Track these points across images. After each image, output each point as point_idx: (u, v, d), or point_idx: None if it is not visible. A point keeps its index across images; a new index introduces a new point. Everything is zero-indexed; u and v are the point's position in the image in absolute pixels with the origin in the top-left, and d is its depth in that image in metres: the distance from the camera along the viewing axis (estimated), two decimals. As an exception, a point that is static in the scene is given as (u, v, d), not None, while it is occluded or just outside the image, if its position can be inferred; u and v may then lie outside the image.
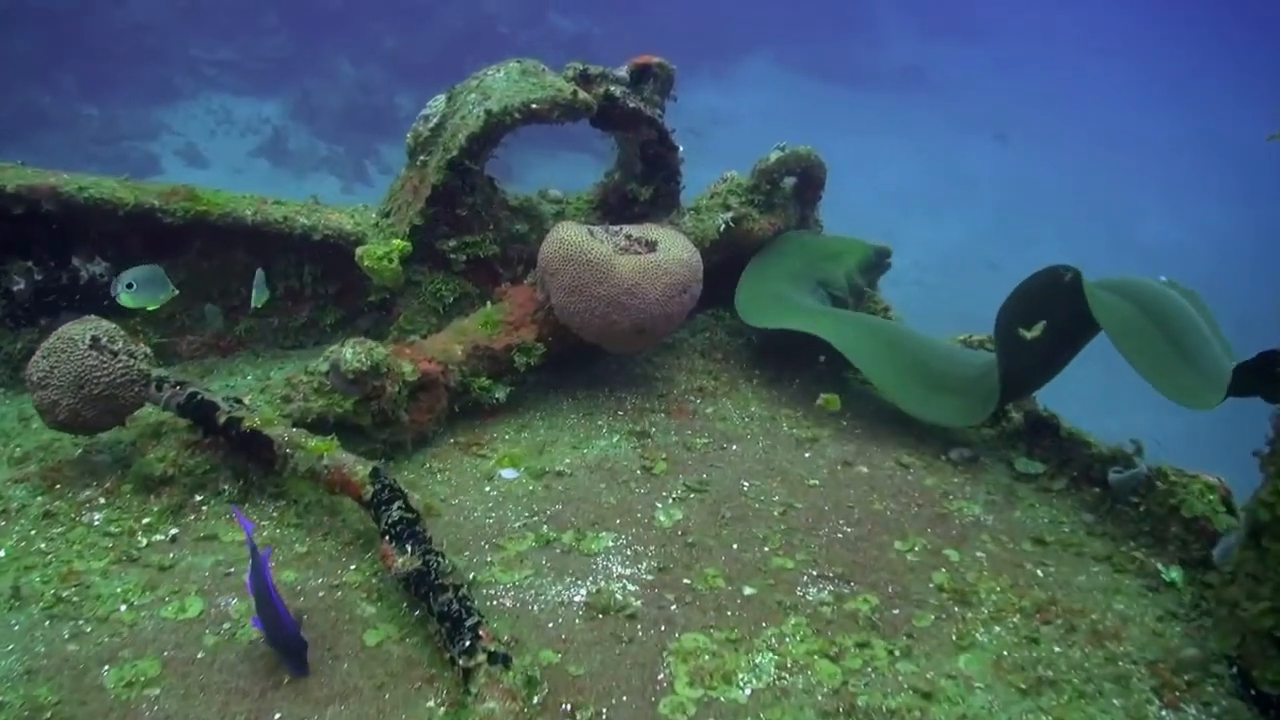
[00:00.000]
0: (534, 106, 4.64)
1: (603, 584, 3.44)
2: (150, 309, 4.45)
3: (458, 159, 4.70)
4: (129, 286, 4.21)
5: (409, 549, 3.11)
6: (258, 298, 4.67)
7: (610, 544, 3.70)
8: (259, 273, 4.66)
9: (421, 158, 4.94)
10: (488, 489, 4.10)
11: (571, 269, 4.47)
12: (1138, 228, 23.66)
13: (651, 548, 3.70)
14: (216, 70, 25.61)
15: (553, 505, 3.98)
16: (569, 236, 4.53)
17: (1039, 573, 3.68)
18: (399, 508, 3.28)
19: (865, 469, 4.37)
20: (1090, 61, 34.17)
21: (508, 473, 4.22)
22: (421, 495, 3.95)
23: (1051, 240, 22.68)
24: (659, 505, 4.00)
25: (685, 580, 3.50)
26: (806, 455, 4.46)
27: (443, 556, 3.13)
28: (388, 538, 3.19)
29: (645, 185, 5.20)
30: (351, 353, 4.04)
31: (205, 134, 23.39)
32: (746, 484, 4.20)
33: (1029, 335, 3.90)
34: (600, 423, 4.67)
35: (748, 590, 3.46)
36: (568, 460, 4.32)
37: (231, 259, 5.00)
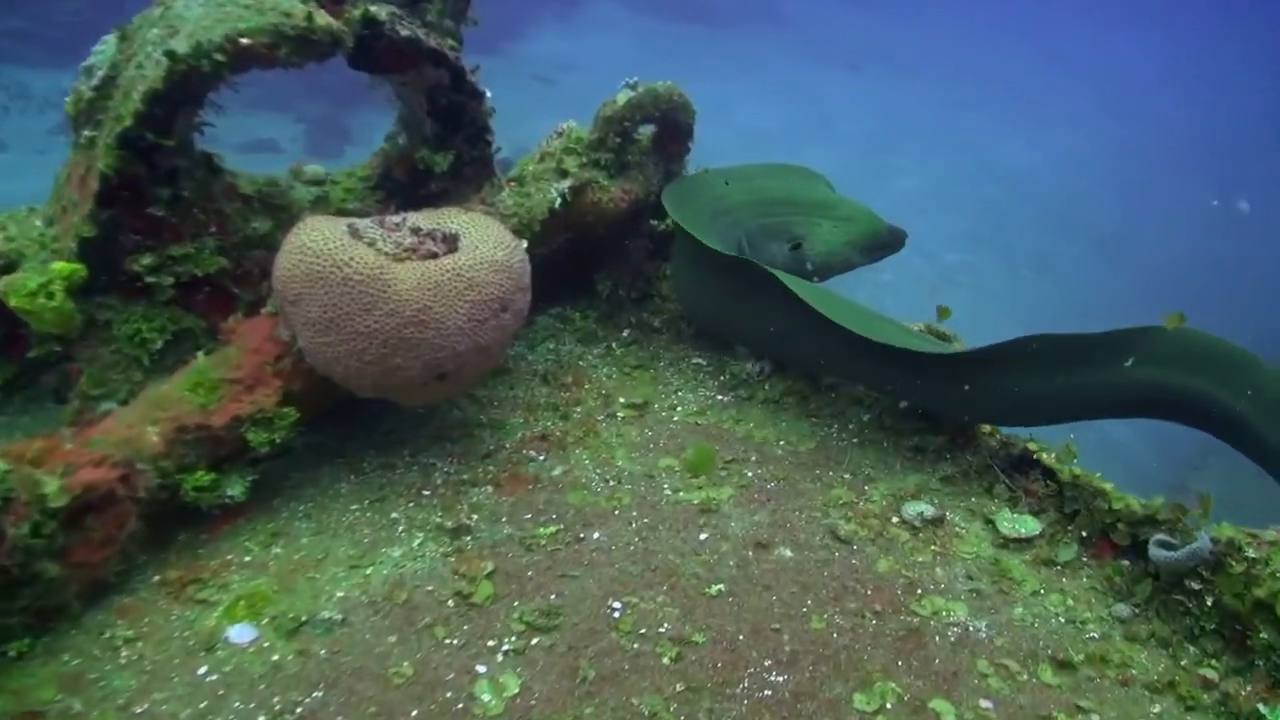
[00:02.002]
0: (244, 42, 2.91)
1: None
2: None
3: (133, 131, 2.94)
4: None
5: None
6: None
7: (393, 778, 2.12)
8: None
9: (87, 133, 3.16)
10: (203, 670, 2.44)
11: (322, 292, 2.80)
12: (995, 153, 22.98)
13: (465, 774, 2.14)
14: (7, 41, 22.28)
15: (308, 693, 2.37)
16: (316, 241, 2.84)
17: (1081, 731, 2.28)
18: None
19: (789, 551, 2.88)
20: (934, -11, 33.43)
21: (240, 633, 2.57)
22: (83, 706, 2.29)
23: (914, 171, 21.82)
24: (482, 671, 2.44)
25: None
26: (703, 537, 2.94)
27: None
28: None
29: (441, 151, 3.53)
30: (-75, 479, 2.30)
31: (-3, 112, 20.20)
32: (618, 605, 2.66)
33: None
34: (396, 514, 3.04)
35: None
36: (340, 594, 2.70)
37: None
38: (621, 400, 3.67)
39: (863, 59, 27.47)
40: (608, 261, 4.24)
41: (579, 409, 3.62)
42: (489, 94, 3.53)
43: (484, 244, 3.04)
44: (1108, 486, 2.76)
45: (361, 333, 2.79)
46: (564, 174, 3.77)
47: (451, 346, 2.88)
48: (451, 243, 3.09)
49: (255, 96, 19.08)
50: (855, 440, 3.41)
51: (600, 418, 3.57)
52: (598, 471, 3.26)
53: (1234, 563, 2.41)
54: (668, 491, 3.15)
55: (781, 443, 3.40)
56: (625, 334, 4.15)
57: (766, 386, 3.72)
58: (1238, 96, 25.38)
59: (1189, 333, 2.85)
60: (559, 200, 3.67)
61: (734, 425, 3.51)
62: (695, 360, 3.97)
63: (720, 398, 3.70)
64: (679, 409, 3.62)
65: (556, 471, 3.26)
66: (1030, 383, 2.93)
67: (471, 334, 2.92)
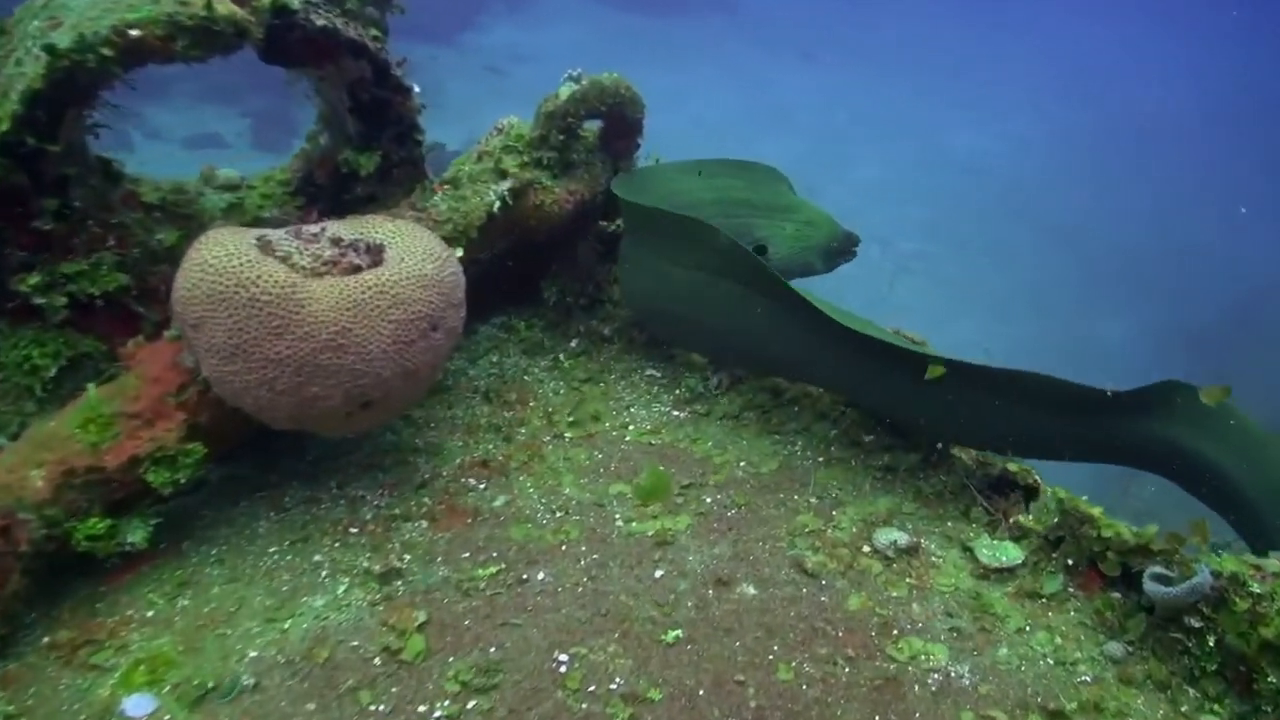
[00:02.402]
0: (134, 34, 2.57)
1: None
2: None
3: (12, 136, 2.60)
4: None
5: None
6: None
7: None
8: None
9: (-38, 136, 2.80)
10: (91, 751, 2.14)
11: (226, 315, 2.48)
12: (951, 141, 22.91)
13: None
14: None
15: (209, 776, 2.07)
16: (218, 257, 2.52)
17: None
18: None
19: (752, 588, 2.62)
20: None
21: (138, 704, 2.26)
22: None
23: (870, 160, 21.71)
24: (410, 743, 2.15)
25: None
26: (658, 574, 2.67)
27: None
28: None
29: (366, 151, 3.21)
30: None
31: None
32: (564, 658, 2.38)
33: None
34: (319, 556, 2.73)
35: None
36: (253, 653, 2.39)
37: None
38: (569, 419, 3.39)
39: (817, 48, 27.32)
40: (554, 266, 3.95)
41: (523, 430, 3.33)
42: (417, 89, 3.21)
43: (411, 256, 2.74)
44: (1095, 512, 2.52)
45: (272, 360, 2.48)
46: (503, 175, 3.47)
47: (375, 372, 2.58)
48: (376, 254, 2.79)
49: (200, 90, 18.48)
50: (821, 459, 3.15)
51: (546, 439, 3.29)
52: (543, 501, 2.97)
53: (1237, 599, 2.19)
54: (619, 522, 2.88)
55: (742, 463, 3.13)
56: (574, 344, 3.86)
57: (725, 400, 3.45)
58: (1191, 83, 25.56)
59: (1223, 404, 2.69)
60: (498, 204, 3.37)
61: (691, 445, 3.24)
62: (649, 372, 3.70)
63: (676, 413, 3.43)
64: (631, 427, 3.35)
65: (498, 502, 2.97)
66: (1046, 420, 2.71)
67: (398, 357, 2.61)
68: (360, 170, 3.20)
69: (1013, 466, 2.74)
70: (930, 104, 24.23)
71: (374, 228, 2.86)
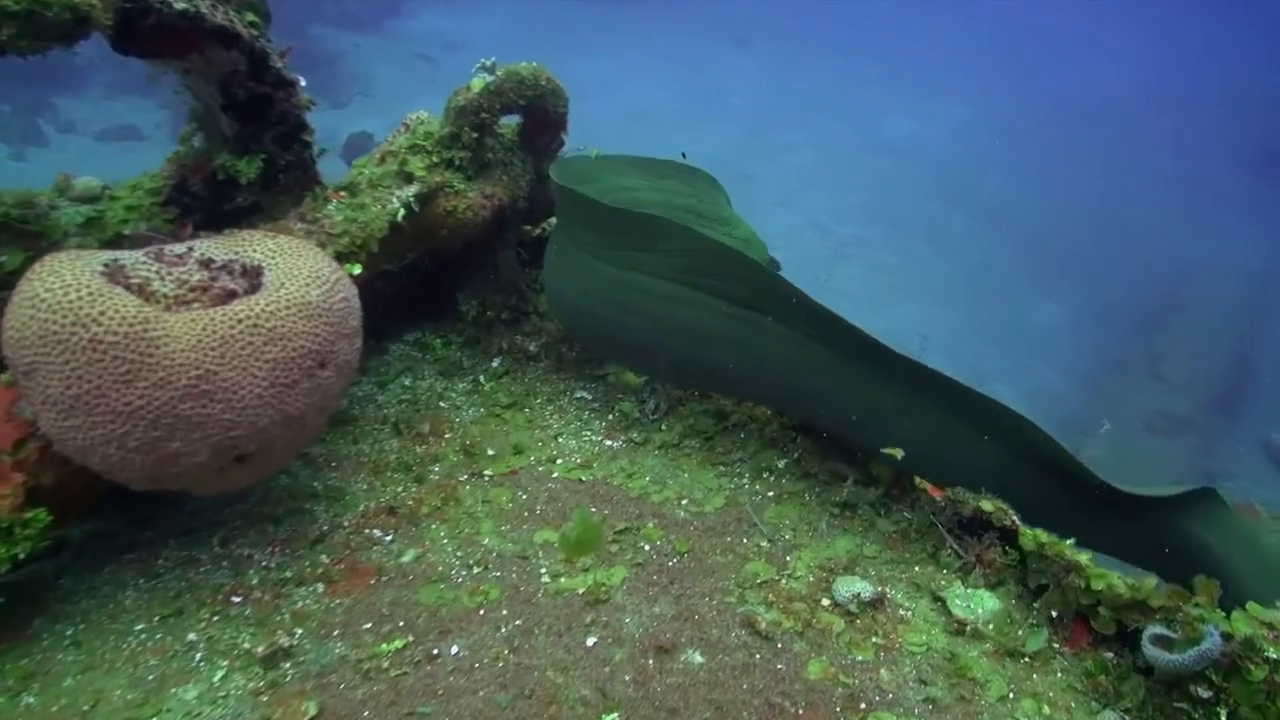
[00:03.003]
0: (-61, 21, 2.12)
1: None
2: None
3: None
4: None
5: None
6: None
7: None
8: None
9: None
10: None
11: (63, 361, 2.05)
12: (885, 125, 22.77)
13: None
14: None
15: None
16: (53, 290, 2.08)
17: None
18: None
19: (699, 656, 2.26)
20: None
21: (-51, 843, 1.84)
22: None
23: (805, 145, 21.48)
24: None
25: None
26: (591, 642, 2.30)
27: None
28: None
29: (246, 155, 2.78)
30: None
31: None
32: (481, 757, 2.01)
33: None
34: (194, 635, 2.31)
35: None
36: (103, 768, 1.98)
37: None
38: (490, 452, 3.00)
39: (750, 33, 27.03)
40: (473, 277, 3.55)
41: (437, 468, 2.93)
42: (303, 82, 2.78)
43: (293, 280, 2.32)
44: (1083, 559, 2.22)
45: (121, 412, 2.05)
46: (409, 178, 3.06)
47: (249, 421, 2.16)
48: (255, 277, 2.37)
49: (117, 80, 17.52)
50: (771, 494, 2.81)
51: (463, 477, 2.89)
52: (459, 554, 2.58)
53: (1252, 666, 1.89)
54: (546, 578, 2.50)
55: (684, 501, 2.77)
56: (495, 363, 3.47)
57: (663, 427, 3.09)
58: (1117, 65, 25.81)
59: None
60: (402, 212, 2.96)
61: (626, 480, 2.87)
62: (579, 394, 3.32)
63: (609, 443, 3.06)
64: (560, 461, 2.97)
65: (407, 557, 2.57)
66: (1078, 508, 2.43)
67: (277, 402, 2.20)
68: (240, 177, 2.76)
69: (986, 505, 2.44)
70: (864, 89, 24.10)
71: (251, 246, 2.44)
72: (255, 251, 2.42)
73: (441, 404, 3.26)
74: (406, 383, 3.38)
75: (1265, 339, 15.44)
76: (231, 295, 2.34)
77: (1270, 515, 7.64)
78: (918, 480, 2.68)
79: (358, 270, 2.79)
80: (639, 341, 2.98)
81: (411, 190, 3.01)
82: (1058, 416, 14.75)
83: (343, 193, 2.93)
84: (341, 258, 2.78)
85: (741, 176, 19.58)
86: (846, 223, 18.93)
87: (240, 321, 2.16)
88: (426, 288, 3.63)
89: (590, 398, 3.29)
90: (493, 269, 3.51)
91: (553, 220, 3.96)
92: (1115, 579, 2.15)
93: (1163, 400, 13.15)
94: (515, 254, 3.57)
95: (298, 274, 2.34)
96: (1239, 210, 19.42)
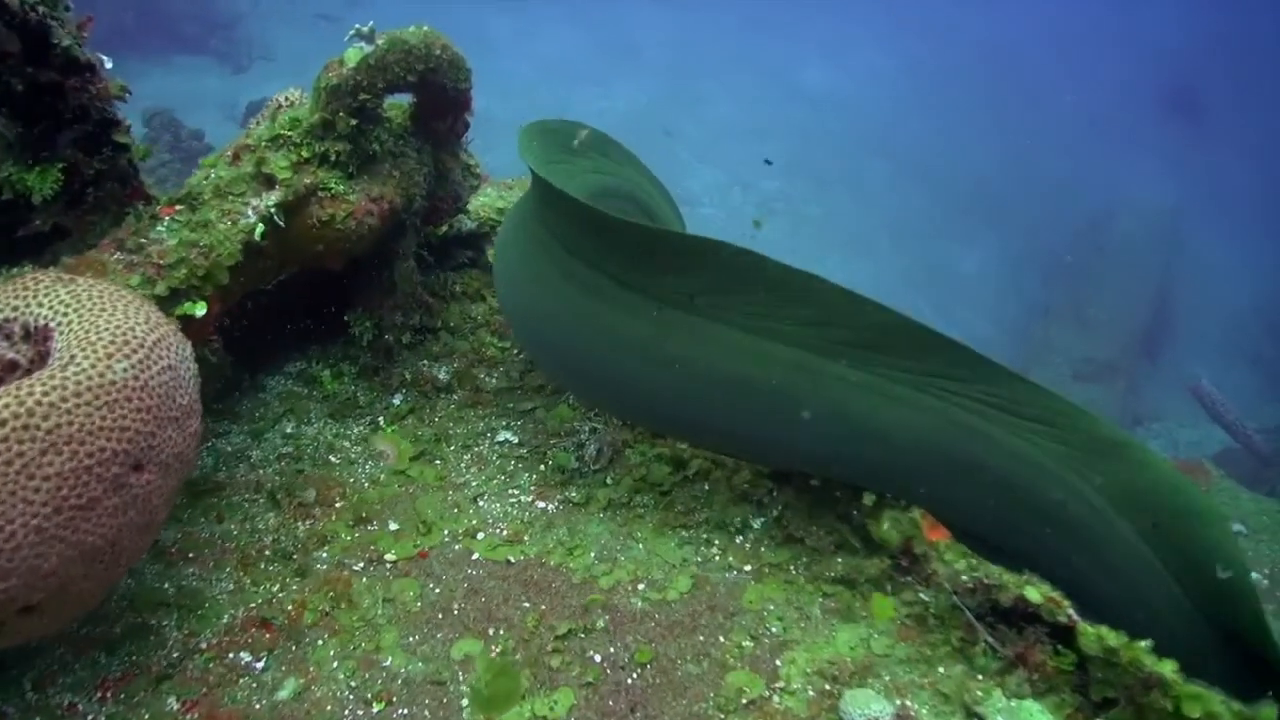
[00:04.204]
0: None
1: None
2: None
3: None
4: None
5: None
6: None
7: None
8: None
9: None
10: None
11: None
12: (801, 75, 22.16)
13: None
14: None
15: None
16: None
17: None
18: None
19: (677, 821, 1.68)
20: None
21: None
22: None
23: (723, 98, 20.80)
24: None
25: None
26: (532, 814, 1.69)
27: None
28: None
29: (39, 166, 2.04)
30: None
31: None
32: None
33: None
34: None
35: None
36: None
37: None
38: (393, 526, 2.34)
39: (662, -18, 26.06)
40: (366, 291, 2.86)
41: (325, 552, 2.27)
42: (109, 63, 2.04)
43: (88, 350, 1.62)
44: (1166, 670, 1.68)
45: None
46: (270, 182, 2.35)
47: (26, 567, 1.48)
48: (41, 343, 1.67)
49: None
50: (749, 567, 2.22)
51: (358, 565, 2.24)
52: (353, 684, 1.94)
53: None
54: (468, 712, 1.88)
55: (641, 586, 2.16)
56: (398, 399, 2.80)
57: (608, 480, 2.47)
58: (1025, 7, 25.52)
59: None
60: (261, 228, 2.26)
61: (566, 559, 2.25)
62: (502, 437, 2.67)
63: (542, 505, 2.43)
64: (481, 536, 2.32)
65: (284, 692, 1.92)
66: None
67: (68, 533, 1.52)
68: (32, 194, 2.03)
69: (1033, 593, 1.88)
70: (779, 39, 23.43)
71: (37, 296, 1.73)
72: (42, 304, 1.72)
73: (332, 458, 2.58)
74: (289, 429, 2.69)
75: (1180, 279, 15.45)
76: (11, 368, 1.64)
77: (1219, 475, 7.27)
78: (931, 542, 2.11)
79: (201, 311, 2.09)
80: (664, 405, 2.18)
81: (273, 198, 2.30)
82: (1019, 295, 14.63)
83: (178, 207, 2.20)
84: (177, 296, 2.08)
85: (661, 132, 18.87)
86: (770, 176, 18.44)
87: (3, 425, 1.47)
88: (311, 300, 2.94)
89: (516, 441, 2.65)
90: (390, 283, 2.82)
91: (471, 217, 3.29)
92: (1217, 703, 1.62)
93: (1089, 345, 13.01)
94: (416, 263, 2.89)
95: (96, 339, 1.64)
96: (1151, 151, 19.40)
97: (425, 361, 2.90)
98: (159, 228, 2.13)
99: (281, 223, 2.30)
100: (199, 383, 1.82)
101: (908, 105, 20.92)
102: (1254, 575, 6.02)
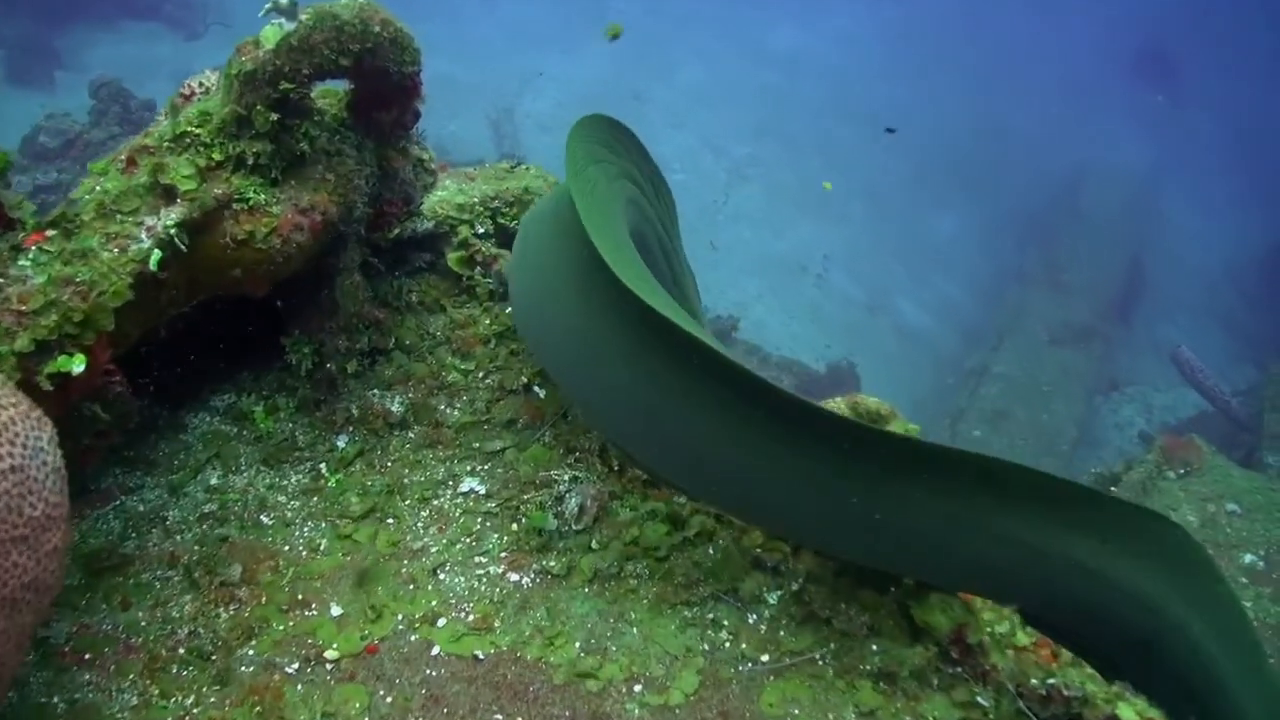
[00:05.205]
0: None
1: None
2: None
3: None
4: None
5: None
6: None
7: None
8: None
9: None
10: None
11: None
12: (771, 38, 21.56)
13: None
14: None
15: None
16: None
17: None
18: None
19: None
20: None
21: None
22: None
23: (693, 63, 20.23)
24: None
25: None
26: None
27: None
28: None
29: None
30: None
31: None
32: None
33: None
34: None
35: None
36: None
37: None
38: (335, 611, 1.91)
39: (629, -57, 25.24)
40: (304, 313, 2.40)
41: (252, 649, 1.84)
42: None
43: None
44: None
45: None
46: (169, 194, 1.88)
47: None
48: None
49: (-61, 17, 15.00)
50: (766, 657, 1.81)
51: (292, 667, 1.81)
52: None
53: None
54: None
55: (638, 687, 1.75)
56: (343, 441, 2.35)
57: (594, 543, 2.04)
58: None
59: None
60: (157, 255, 1.79)
61: (546, 651, 1.83)
62: (466, 485, 2.23)
63: (515, 578, 2.00)
64: (442, 623, 1.89)
65: None
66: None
67: None
68: None
69: (1127, 712, 1.49)
70: (748, 2, 22.80)
71: None
72: None
73: (264, 518, 2.14)
74: (213, 480, 2.24)
75: (1153, 241, 15.22)
76: None
77: (1211, 451, 6.92)
78: (988, 631, 1.72)
79: (79, 367, 1.64)
80: (759, 501, 1.82)
81: (173, 215, 1.84)
82: (961, 329, 14.34)
83: (49, 233, 1.73)
84: (46, 350, 1.62)
85: (631, 97, 18.29)
86: (741, 141, 17.98)
87: None
88: (242, 319, 2.48)
89: (483, 491, 2.22)
90: (330, 302, 2.37)
91: (427, 216, 2.81)
92: None
93: (1065, 310, 12.76)
94: (361, 278, 2.43)
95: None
96: (1124, 113, 19.07)
97: (376, 391, 2.46)
98: (22, 262, 1.67)
99: (184, 246, 1.84)
100: (63, 478, 1.38)
101: (880, 68, 20.47)
102: (1249, 557, 5.76)
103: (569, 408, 2.35)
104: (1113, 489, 6.30)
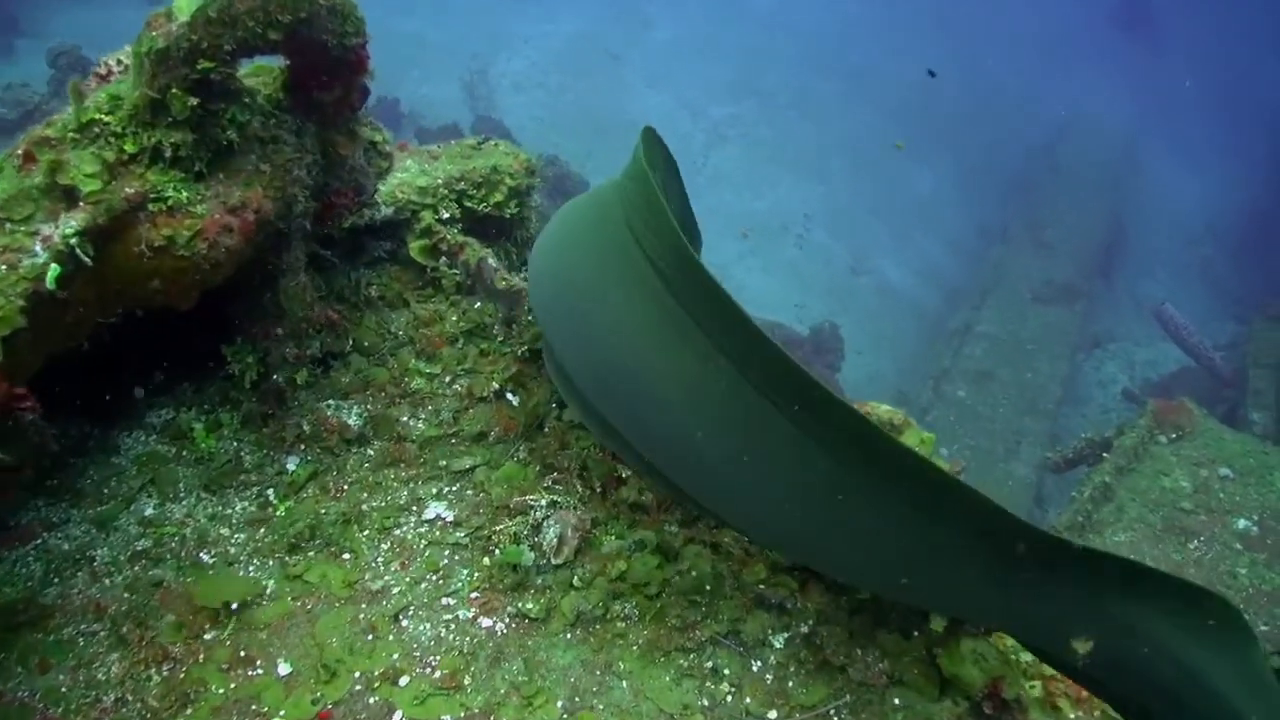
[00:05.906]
0: None
1: None
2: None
3: None
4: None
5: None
6: None
7: None
8: None
9: None
10: None
11: None
12: (748, -4, 21.06)
13: None
14: None
15: None
16: None
17: None
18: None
19: None
20: None
21: None
22: None
23: (668, 21, 19.73)
24: None
25: None
26: None
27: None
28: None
29: None
30: None
31: None
32: None
33: None
34: None
35: None
36: None
37: None
38: (283, 670, 1.66)
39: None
40: (247, 318, 2.12)
41: (188, 717, 1.59)
42: None
43: None
44: None
45: None
46: (70, 196, 1.59)
47: None
48: None
49: None
50: (774, 715, 1.58)
51: (238, 739, 1.56)
52: None
53: None
54: None
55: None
56: (293, 462, 2.09)
57: (576, 579, 1.80)
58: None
59: None
60: (55, 271, 1.51)
61: (525, 712, 1.59)
62: (432, 509, 1.98)
63: (488, 623, 1.75)
64: (405, 678, 1.65)
65: None
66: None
67: None
68: None
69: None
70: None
71: None
72: None
73: (204, 556, 1.88)
74: (148, 511, 1.98)
75: (1133, 196, 15.03)
76: None
77: (1203, 414, 6.75)
78: (1027, 687, 1.50)
79: (-44, 410, 1.36)
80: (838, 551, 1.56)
81: (75, 222, 1.55)
82: (944, 288, 14.14)
83: (-81, 248, 1.45)
84: (-87, 393, 1.34)
85: (608, 56, 17.79)
86: (719, 101, 17.59)
87: None
88: (184, 320, 2.20)
89: (451, 518, 1.96)
90: (274, 305, 2.09)
91: (386, 201, 2.52)
92: None
93: (1047, 268, 12.57)
94: (308, 278, 2.15)
95: None
96: (1103, 65, 18.75)
97: (331, 402, 2.19)
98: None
99: (89, 258, 1.56)
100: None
101: (858, 24, 20.05)
102: (1243, 522, 5.62)
103: (555, 418, 2.09)
104: (1104, 455, 6.16)
